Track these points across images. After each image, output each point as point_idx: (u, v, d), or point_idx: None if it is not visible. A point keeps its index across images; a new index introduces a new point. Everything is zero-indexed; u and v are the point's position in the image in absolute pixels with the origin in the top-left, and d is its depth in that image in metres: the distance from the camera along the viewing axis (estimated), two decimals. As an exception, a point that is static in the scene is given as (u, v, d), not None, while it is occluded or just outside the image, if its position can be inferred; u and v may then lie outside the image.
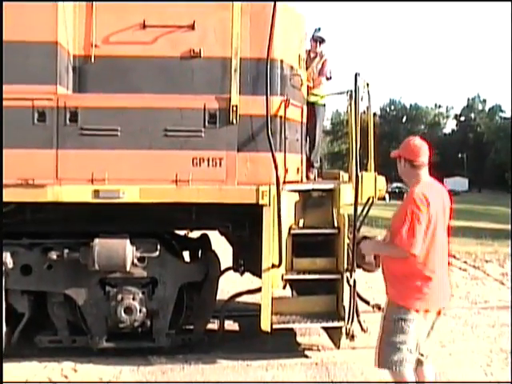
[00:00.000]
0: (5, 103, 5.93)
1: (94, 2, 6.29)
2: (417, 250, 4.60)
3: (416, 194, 4.71)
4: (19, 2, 6.02)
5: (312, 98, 7.77)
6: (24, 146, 6.02)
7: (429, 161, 4.96)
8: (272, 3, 6.23)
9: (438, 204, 4.77)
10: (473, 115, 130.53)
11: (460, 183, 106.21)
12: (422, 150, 4.89)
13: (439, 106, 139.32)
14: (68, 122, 6.09)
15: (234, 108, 6.22)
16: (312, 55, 8.44)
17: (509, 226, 24.79)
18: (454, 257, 15.86)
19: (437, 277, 4.76)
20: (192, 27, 6.34)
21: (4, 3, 5.93)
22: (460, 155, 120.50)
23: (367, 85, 7.25)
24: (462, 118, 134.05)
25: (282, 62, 6.62)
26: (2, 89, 5.88)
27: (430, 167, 4.97)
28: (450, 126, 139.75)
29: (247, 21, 6.37)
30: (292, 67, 6.95)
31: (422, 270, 4.73)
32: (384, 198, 8.20)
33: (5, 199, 6.04)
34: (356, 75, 6.87)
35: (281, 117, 6.61)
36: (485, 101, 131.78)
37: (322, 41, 8.56)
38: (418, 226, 4.58)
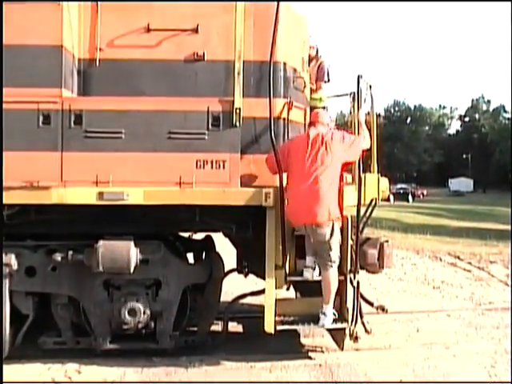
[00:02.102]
0: (10, 106, 5.96)
1: (98, 6, 6.33)
2: None
3: None
4: (19, 2, 6.05)
5: (311, 103, 7.78)
6: (29, 149, 6.05)
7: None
8: (275, 6, 6.25)
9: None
10: (477, 116, 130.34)
11: (465, 184, 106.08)
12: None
13: (443, 107, 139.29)
14: (73, 124, 6.12)
15: (238, 110, 6.24)
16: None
17: (514, 227, 24.70)
18: (459, 258, 15.88)
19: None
20: (196, 30, 6.38)
21: (5, 6, 5.95)
22: (464, 156, 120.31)
23: (370, 87, 7.26)
24: (467, 119, 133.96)
25: (285, 64, 6.65)
26: (1, 90, 5.92)
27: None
28: (454, 126, 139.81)
29: (250, 24, 6.40)
30: (295, 70, 6.98)
31: None
32: (388, 199, 8.19)
33: (10, 201, 6.08)
34: (358, 77, 6.89)
35: (284, 119, 6.65)
36: (489, 101, 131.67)
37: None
38: None
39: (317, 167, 6.31)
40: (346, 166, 6.72)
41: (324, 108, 8.15)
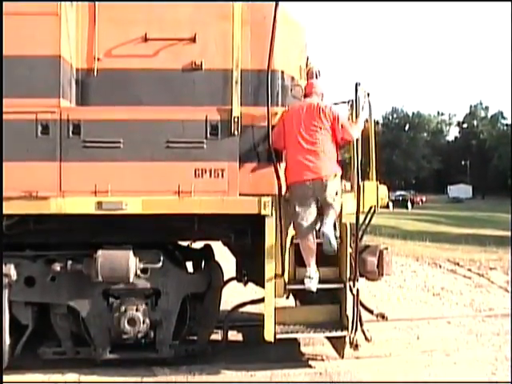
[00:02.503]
0: (9, 116, 5.97)
1: (96, 15, 6.33)
2: None
3: None
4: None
5: None
6: (27, 159, 6.06)
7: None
8: (272, 14, 6.27)
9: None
10: (475, 122, 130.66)
11: (464, 190, 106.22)
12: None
13: (442, 114, 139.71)
14: (71, 134, 6.13)
15: (236, 119, 6.26)
16: None
17: (513, 233, 24.68)
18: (458, 264, 15.87)
19: None
20: (193, 40, 6.39)
21: (5, 13, 5.98)
22: (463, 162, 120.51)
23: (368, 94, 7.27)
24: (465, 125, 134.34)
25: (282, 72, 6.65)
26: (2, 94, 5.94)
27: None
28: (452, 133, 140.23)
29: (248, 32, 6.41)
30: (293, 78, 6.98)
31: None
32: (388, 206, 8.19)
33: (9, 211, 6.07)
34: (356, 85, 6.90)
35: (282, 127, 6.64)
36: (487, 108, 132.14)
37: None
38: None
39: (315, 130, 6.48)
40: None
41: None
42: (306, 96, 6.92)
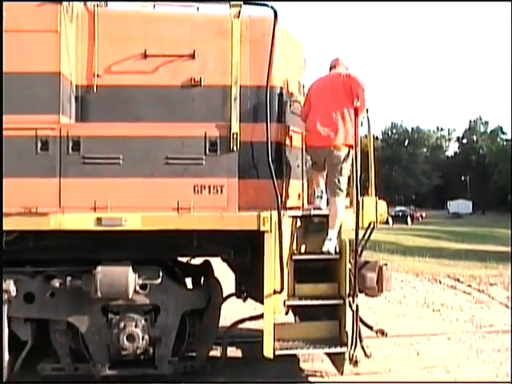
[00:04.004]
0: (9, 133, 5.98)
1: (96, 32, 6.38)
2: None
3: None
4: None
5: None
6: (27, 175, 6.06)
7: None
8: (271, 31, 6.31)
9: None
10: (475, 137, 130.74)
11: (464, 206, 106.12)
12: None
13: (441, 129, 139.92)
14: (70, 150, 6.14)
15: (235, 136, 6.28)
16: None
17: (513, 249, 24.61)
18: (458, 280, 15.85)
19: None
20: (192, 56, 6.43)
21: (5, 30, 6.01)
22: (463, 177, 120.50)
23: (366, 110, 7.30)
24: (465, 141, 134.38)
25: (281, 89, 6.70)
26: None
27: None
28: (452, 148, 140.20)
29: (247, 49, 6.45)
30: (292, 94, 7.03)
31: None
32: (387, 222, 8.25)
33: (8, 227, 6.07)
34: (355, 101, 6.94)
35: (281, 143, 6.67)
36: (487, 123, 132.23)
37: None
38: None
39: (335, 99, 6.86)
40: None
41: None
42: (331, 68, 7.29)
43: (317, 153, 7.04)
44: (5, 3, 6.04)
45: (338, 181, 6.88)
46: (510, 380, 6.46)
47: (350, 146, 6.88)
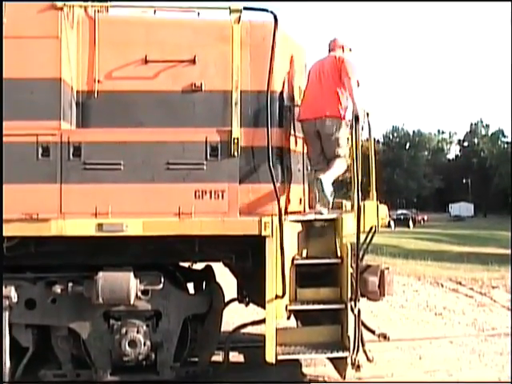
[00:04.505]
0: (10, 139, 5.99)
1: (96, 38, 6.38)
2: None
3: None
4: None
5: None
6: (28, 181, 6.07)
7: None
8: (271, 36, 6.31)
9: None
10: (476, 140, 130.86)
11: (465, 208, 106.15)
12: None
13: (442, 132, 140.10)
14: (71, 156, 6.15)
15: (236, 140, 6.27)
16: None
17: (515, 251, 24.57)
18: (460, 283, 15.82)
19: None
20: (193, 61, 6.43)
21: (6, 36, 6.02)
22: (464, 180, 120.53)
23: (367, 114, 7.31)
24: (466, 144, 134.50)
25: (282, 93, 6.70)
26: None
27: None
28: (453, 151, 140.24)
29: (247, 54, 6.45)
30: (292, 98, 7.03)
31: None
32: (389, 226, 8.28)
33: (9, 233, 6.08)
34: (355, 105, 6.95)
35: (282, 148, 6.67)
36: (488, 126, 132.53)
37: None
38: None
39: (328, 80, 7.21)
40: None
41: None
42: (330, 51, 7.59)
43: (310, 126, 7.23)
44: (5, 9, 6.05)
45: (335, 151, 7.18)
46: (510, 380, 6.44)
47: (343, 119, 7.21)
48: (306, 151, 7.56)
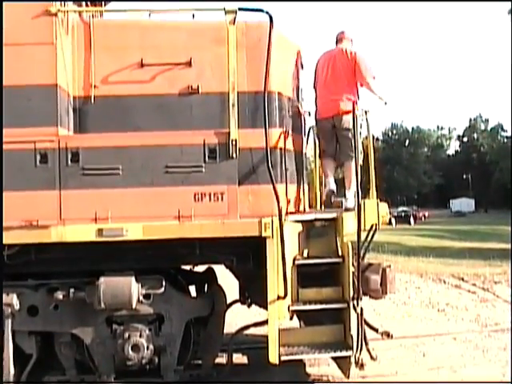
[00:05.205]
0: (7, 146, 5.99)
1: (92, 43, 6.38)
2: None
3: None
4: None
5: None
6: (27, 188, 6.06)
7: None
8: (267, 37, 6.29)
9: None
10: (475, 135, 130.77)
11: (466, 204, 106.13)
12: None
13: (441, 128, 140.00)
14: (70, 162, 6.14)
15: (234, 142, 6.26)
16: None
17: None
18: (463, 279, 15.82)
19: None
20: (189, 64, 6.42)
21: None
22: (465, 176, 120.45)
23: (366, 112, 7.30)
24: (465, 139, 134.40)
25: (279, 94, 6.68)
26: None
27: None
28: (453, 147, 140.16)
29: (243, 55, 6.44)
30: (290, 99, 7.01)
31: None
32: (390, 223, 8.35)
33: (9, 241, 6.07)
34: (353, 104, 6.95)
35: (281, 148, 6.65)
36: (487, 120, 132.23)
37: None
38: None
39: (340, 73, 7.59)
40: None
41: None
42: (337, 42, 8.01)
43: (326, 123, 7.71)
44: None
45: (350, 144, 7.30)
46: (510, 380, 6.43)
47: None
48: (305, 150, 7.61)
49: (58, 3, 6.15)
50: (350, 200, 7.45)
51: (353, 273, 6.64)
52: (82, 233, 6.12)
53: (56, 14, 6.12)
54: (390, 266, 7.13)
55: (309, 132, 8.39)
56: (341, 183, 8.01)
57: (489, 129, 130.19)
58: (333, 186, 7.85)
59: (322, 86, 7.80)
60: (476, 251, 25.91)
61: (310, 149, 8.93)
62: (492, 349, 8.67)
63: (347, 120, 7.44)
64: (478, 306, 12.25)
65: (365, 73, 7.62)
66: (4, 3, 6.07)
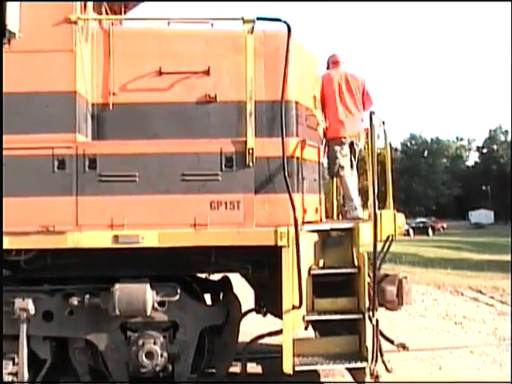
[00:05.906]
0: (26, 152, 6.06)
1: (111, 51, 6.43)
2: None
3: None
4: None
5: None
6: (44, 194, 6.10)
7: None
8: (285, 46, 6.29)
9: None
10: (495, 147, 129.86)
11: (485, 216, 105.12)
12: None
13: (461, 139, 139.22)
14: (87, 169, 6.18)
15: (251, 151, 6.26)
16: None
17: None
18: (480, 292, 15.68)
19: None
20: (207, 72, 6.44)
21: (19, 56, 6.08)
22: (484, 187, 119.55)
23: (383, 123, 7.28)
24: (485, 150, 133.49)
25: (296, 103, 6.67)
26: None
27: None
28: (472, 158, 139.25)
29: (261, 64, 6.45)
30: (307, 108, 7.01)
31: None
32: (408, 234, 8.32)
33: (26, 246, 6.14)
34: (371, 114, 6.92)
35: (297, 158, 6.64)
36: (507, 131, 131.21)
37: None
38: None
39: (354, 95, 7.87)
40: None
41: None
42: (334, 64, 8.16)
43: (345, 143, 7.84)
44: (21, 24, 6.10)
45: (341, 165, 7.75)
46: (510, 380, 6.35)
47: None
48: (322, 160, 7.58)
49: (79, 11, 6.20)
50: (355, 210, 7.70)
51: (368, 283, 6.60)
52: (98, 239, 6.14)
53: (76, 22, 6.17)
54: (406, 277, 7.08)
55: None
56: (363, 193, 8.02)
57: (509, 140, 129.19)
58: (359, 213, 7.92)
59: (335, 108, 7.81)
60: (494, 263, 25.66)
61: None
62: (509, 363, 8.55)
63: (360, 142, 7.88)
64: (495, 319, 12.13)
65: (372, 98, 8.06)
66: (24, 5, 6.12)
